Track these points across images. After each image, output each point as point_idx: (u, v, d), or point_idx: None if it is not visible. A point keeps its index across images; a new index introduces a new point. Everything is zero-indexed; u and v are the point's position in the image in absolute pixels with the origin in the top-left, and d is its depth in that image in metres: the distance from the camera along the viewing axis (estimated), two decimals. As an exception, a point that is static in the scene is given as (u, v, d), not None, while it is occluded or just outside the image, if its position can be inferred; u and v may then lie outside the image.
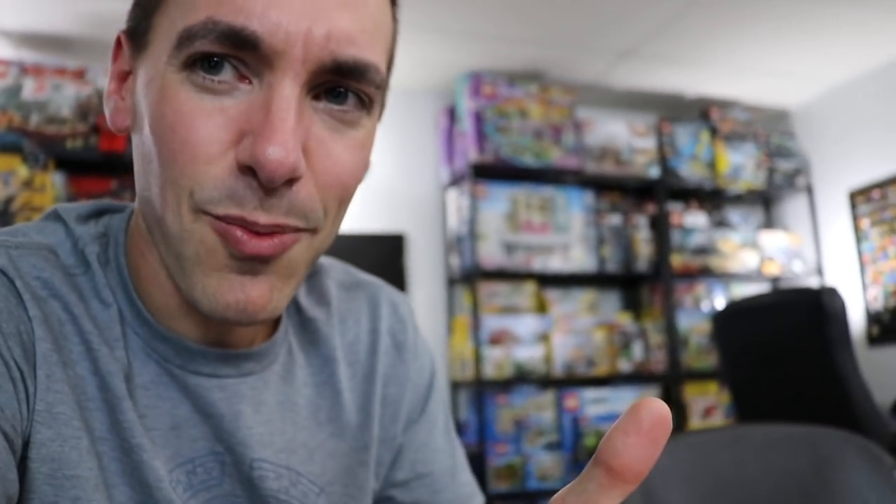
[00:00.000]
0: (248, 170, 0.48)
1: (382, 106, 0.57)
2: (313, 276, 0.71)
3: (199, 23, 0.48)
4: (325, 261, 0.74)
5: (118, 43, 0.57)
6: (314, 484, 0.62)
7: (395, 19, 0.58)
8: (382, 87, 0.54)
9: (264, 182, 0.48)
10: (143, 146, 0.53)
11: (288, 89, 0.48)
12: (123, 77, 0.57)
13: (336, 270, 0.74)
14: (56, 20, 2.88)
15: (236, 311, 0.51)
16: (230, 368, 0.59)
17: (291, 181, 0.49)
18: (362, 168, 0.55)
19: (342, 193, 0.54)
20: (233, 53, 0.48)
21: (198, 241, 0.51)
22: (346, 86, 0.51)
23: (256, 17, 0.47)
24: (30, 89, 2.89)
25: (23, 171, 2.71)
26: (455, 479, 0.73)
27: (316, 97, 0.51)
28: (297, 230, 0.52)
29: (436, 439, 0.73)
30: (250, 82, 0.49)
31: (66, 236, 0.58)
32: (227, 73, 0.49)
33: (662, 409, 0.27)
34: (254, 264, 0.51)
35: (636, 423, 0.27)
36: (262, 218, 0.49)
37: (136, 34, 0.54)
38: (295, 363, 0.65)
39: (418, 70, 3.44)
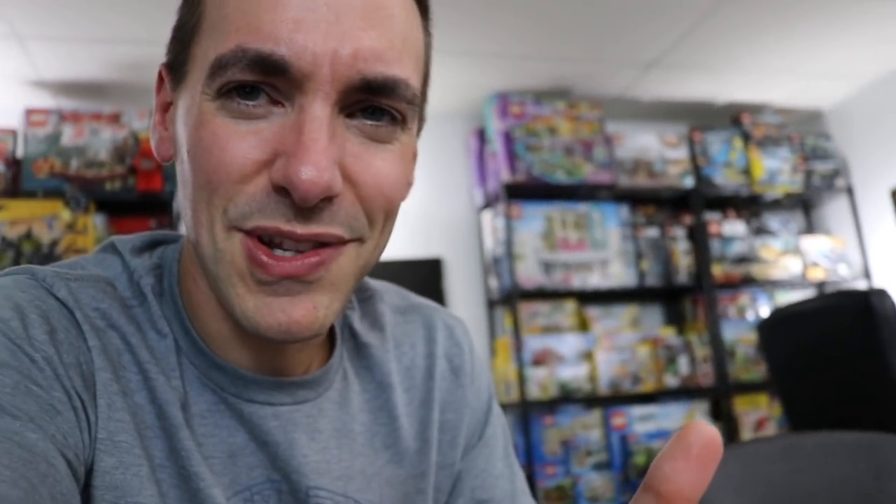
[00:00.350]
0: (282, 190, 0.49)
1: (421, 119, 0.58)
2: (367, 301, 0.71)
3: (230, 51, 0.49)
4: (379, 285, 0.74)
5: (160, 76, 0.59)
6: None
7: (426, 32, 0.58)
8: (415, 101, 0.53)
9: (298, 202, 0.48)
10: (182, 173, 0.54)
11: (319, 109, 0.49)
12: (166, 108, 0.59)
13: (390, 294, 0.74)
14: (91, 68, 2.95)
15: (279, 331, 0.51)
16: (285, 396, 0.59)
17: (329, 199, 0.50)
18: (403, 181, 0.55)
19: (386, 205, 0.54)
20: (264, 80, 0.49)
21: (229, 261, 0.51)
22: (377, 103, 0.52)
23: (283, 41, 0.48)
24: (69, 135, 2.96)
25: (65, 214, 2.77)
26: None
27: (349, 115, 0.51)
28: (341, 241, 0.52)
29: (495, 465, 0.72)
30: (283, 106, 0.50)
31: (122, 269, 0.60)
32: (261, 99, 0.50)
33: (712, 433, 0.27)
34: (291, 284, 0.51)
35: (685, 448, 0.27)
36: (301, 229, 0.50)
37: (175, 66, 0.55)
38: (350, 389, 0.65)
39: (446, 93, 3.46)
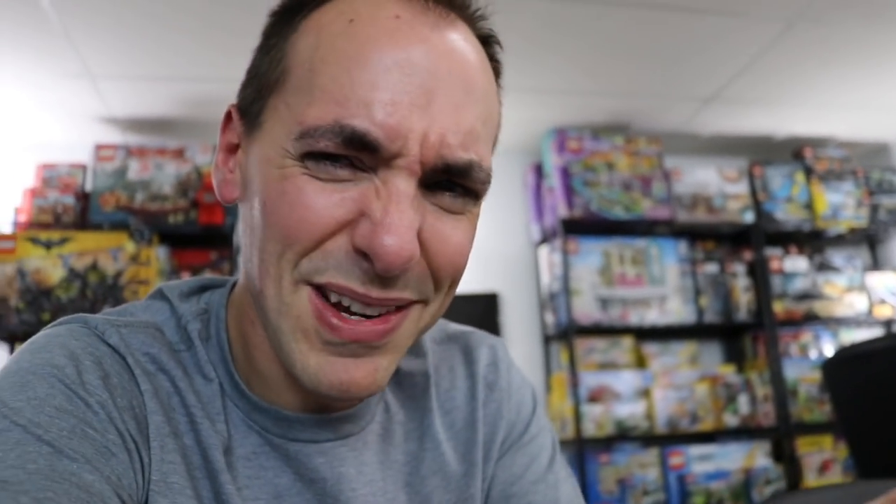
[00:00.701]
0: (362, 254, 0.50)
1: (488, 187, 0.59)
2: None
3: (327, 125, 0.50)
4: None
5: (228, 116, 0.60)
6: None
7: (499, 102, 0.60)
8: (489, 180, 0.55)
9: (380, 271, 0.50)
10: (252, 220, 0.54)
11: (404, 185, 0.51)
12: (232, 149, 0.60)
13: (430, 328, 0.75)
14: (157, 104, 3.03)
15: (339, 391, 0.52)
16: (329, 432, 0.60)
17: (405, 268, 0.51)
18: (470, 248, 0.57)
19: (454, 273, 0.56)
20: (353, 154, 0.51)
21: (295, 316, 0.52)
22: (455, 182, 0.54)
23: (378, 123, 0.50)
24: (135, 170, 3.04)
25: (130, 246, 2.83)
26: None
27: (427, 188, 0.53)
28: (409, 303, 0.54)
29: (535, 471, 0.70)
30: (367, 172, 0.52)
31: (170, 314, 0.61)
32: (346, 166, 0.51)
33: None
34: (356, 347, 0.52)
35: None
36: (375, 293, 0.51)
37: (250, 113, 0.56)
38: (393, 420, 0.65)
39: (505, 129, 3.43)
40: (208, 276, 0.68)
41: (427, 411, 0.67)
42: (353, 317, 0.52)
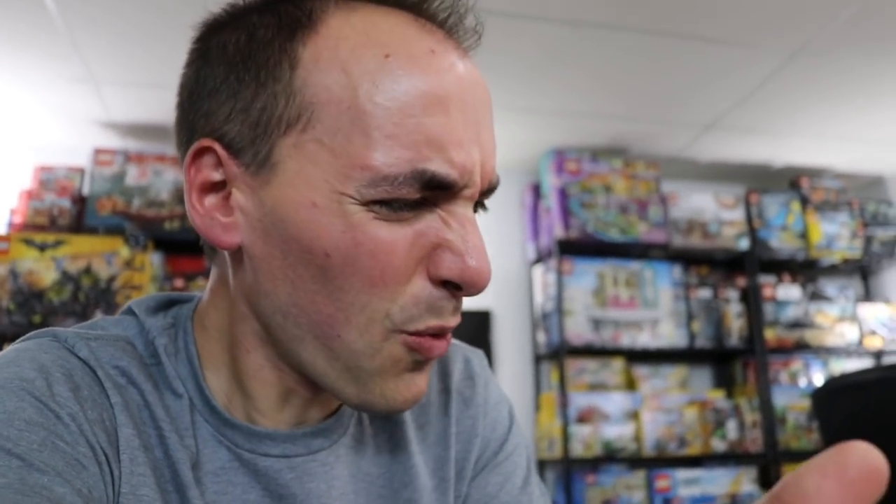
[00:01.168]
0: (444, 284, 0.53)
1: None
2: None
3: (407, 173, 0.50)
4: None
5: (200, 152, 0.55)
6: None
7: None
8: None
9: (471, 293, 0.53)
10: (296, 268, 0.53)
11: (471, 212, 0.54)
12: (208, 189, 0.56)
13: None
14: (158, 111, 3.04)
15: (407, 403, 0.55)
16: (300, 447, 0.60)
17: None
18: None
19: None
20: (427, 195, 0.52)
21: (386, 356, 0.54)
22: (484, 198, 0.58)
23: (456, 164, 0.52)
24: (133, 176, 3.05)
25: (124, 251, 2.83)
26: None
27: None
28: None
29: (509, 492, 0.70)
30: (427, 206, 0.53)
31: (139, 329, 0.61)
32: (408, 204, 0.52)
33: (878, 461, 0.23)
34: (423, 361, 0.55)
35: (840, 465, 0.23)
36: (454, 321, 0.55)
37: (249, 152, 0.53)
38: (365, 433, 0.65)
39: (503, 148, 3.48)
40: (176, 292, 0.68)
41: (400, 424, 0.67)
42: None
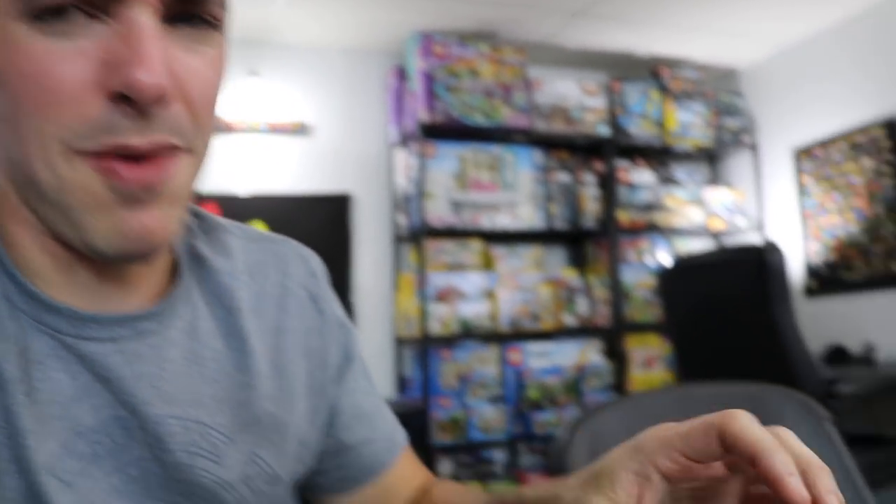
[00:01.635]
0: (120, 98, 0.48)
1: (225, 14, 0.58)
2: (212, 231, 0.71)
3: None
4: (224, 221, 0.74)
5: None
6: (223, 434, 0.61)
7: None
8: (224, 5, 0.55)
9: (140, 105, 0.48)
10: None
11: (145, 18, 0.49)
12: None
13: (237, 228, 0.74)
14: None
15: (137, 241, 0.52)
16: (127, 330, 0.58)
17: (163, 104, 0.50)
18: (221, 83, 0.57)
19: (210, 108, 0.55)
20: (80, 1, 0.48)
21: (80, 187, 0.50)
22: (195, 11, 0.53)
23: None
24: None
25: None
26: (383, 416, 0.78)
27: (169, 23, 0.51)
28: (175, 148, 0.53)
29: (361, 383, 0.77)
30: (100, 19, 0.49)
31: None
32: (76, 17, 0.48)
33: None
34: (140, 195, 0.51)
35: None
36: (138, 140, 0.50)
37: None
38: (199, 316, 0.64)
39: (367, 30, 3.42)
40: None
41: (236, 311, 0.66)
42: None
